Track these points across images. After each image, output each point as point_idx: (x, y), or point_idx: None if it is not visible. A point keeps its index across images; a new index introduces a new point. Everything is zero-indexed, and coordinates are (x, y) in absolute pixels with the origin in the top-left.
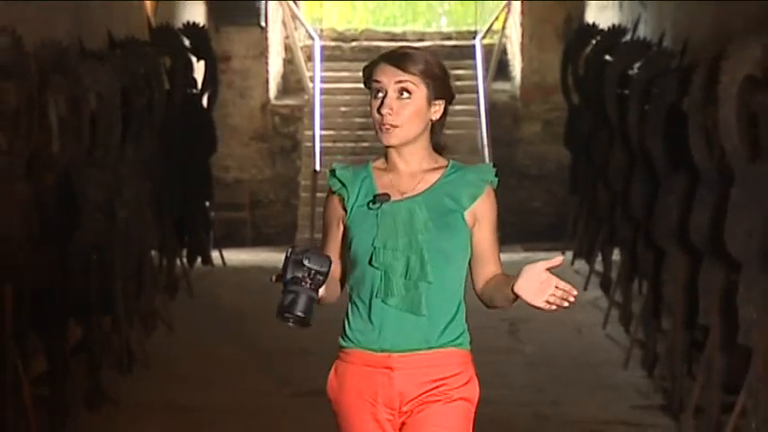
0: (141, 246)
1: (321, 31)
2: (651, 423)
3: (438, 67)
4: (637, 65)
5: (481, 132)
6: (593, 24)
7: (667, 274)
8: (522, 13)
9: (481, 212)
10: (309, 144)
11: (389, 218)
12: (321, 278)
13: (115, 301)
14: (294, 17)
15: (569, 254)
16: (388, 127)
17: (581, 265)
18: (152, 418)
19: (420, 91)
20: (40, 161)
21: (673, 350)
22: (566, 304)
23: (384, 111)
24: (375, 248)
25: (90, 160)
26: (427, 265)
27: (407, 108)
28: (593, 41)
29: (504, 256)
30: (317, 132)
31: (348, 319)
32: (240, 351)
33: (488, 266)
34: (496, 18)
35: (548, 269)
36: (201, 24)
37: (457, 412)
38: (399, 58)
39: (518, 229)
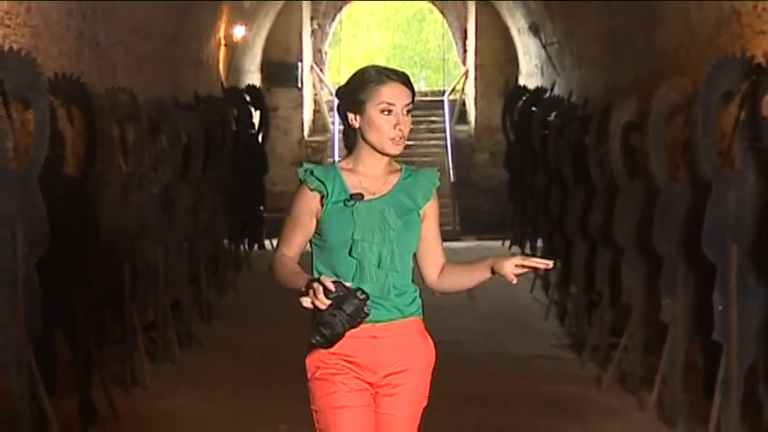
0: (217, 236)
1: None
2: (562, 357)
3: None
4: (553, 114)
5: (448, 159)
6: (524, 86)
7: (574, 255)
8: (476, 78)
9: (430, 211)
10: None
11: (365, 215)
12: (357, 325)
13: (199, 274)
14: (320, 81)
15: (507, 242)
16: (399, 140)
17: (515, 249)
18: (225, 353)
19: (411, 109)
20: (147, 179)
21: (577, 307)
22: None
23: (400, 126)
24: (354, 241)
25: (182, 179)
26: (396, 257)
27: (408, 124)
28: (524, 98)
29: (463, 243)
30: (336, 159)
31: None
32: (285, 307)
33: (437, 256)
34: (458, 81)
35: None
36: (258, 86)
37: (421, 373)
38: (407, 82)
39: (473, 226)
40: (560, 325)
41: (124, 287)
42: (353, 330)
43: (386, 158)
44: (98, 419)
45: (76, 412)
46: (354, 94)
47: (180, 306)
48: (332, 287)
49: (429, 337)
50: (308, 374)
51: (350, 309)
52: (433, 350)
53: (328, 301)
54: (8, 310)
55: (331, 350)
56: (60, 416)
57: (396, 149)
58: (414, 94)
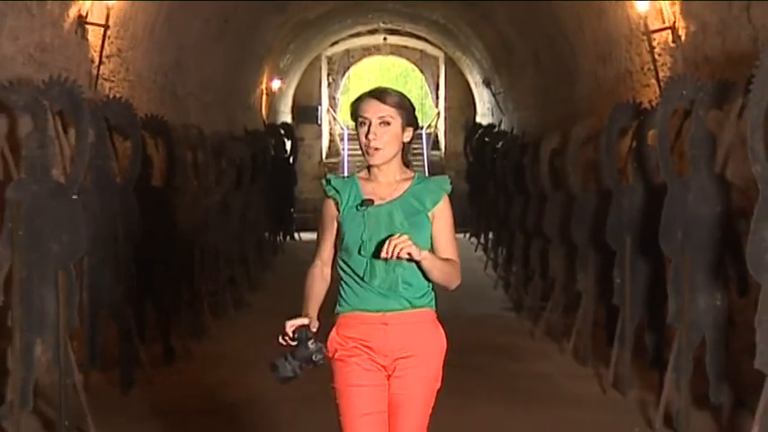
0: (260, 230)
1: (348, 125)
2: (507, 316)
3: (408, 102)
4: (500, 143)
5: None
6: (479, 123)
7: (515, 244)
8: (445, 117)
9: (439, 213)
10: None
11: (374, 218)
12: (309, 368)
13: (248, 257)
14: (334, 119)
15: (468, 235)
16: (373, 149)
17: (474, 240)
18: (266, 313)
19: (396, 120)
20: (211, 189)
21: (517, 281)
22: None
23: (370, 137)
24: (363, 241)
25: (236, 189)
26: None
27: (387, 134)
28: (479, 131)
29: None
30: (346, 174)
31: (345, 293)
32: None
33: (443, 254)
34: (432, 120)
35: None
36: (290, 123)
37: (432, 357)
38: (380, 95)
39: None
40: (505, 293)
41: (194, 265)
42: (367, 317)
43: (393, 167)
44: (176, 359)
45: (161, 354)
46: (351, 113)
47: (234, 279)
48: (289, 333)
49: (440, 326)
50: (329, 355)
51: (299, 355)
52: (444, 338)
53: (290, 341)
54: (112, 282)
55: (347, 335)
56: (149, 357)
57: (371, 158)
58: (394, 106)
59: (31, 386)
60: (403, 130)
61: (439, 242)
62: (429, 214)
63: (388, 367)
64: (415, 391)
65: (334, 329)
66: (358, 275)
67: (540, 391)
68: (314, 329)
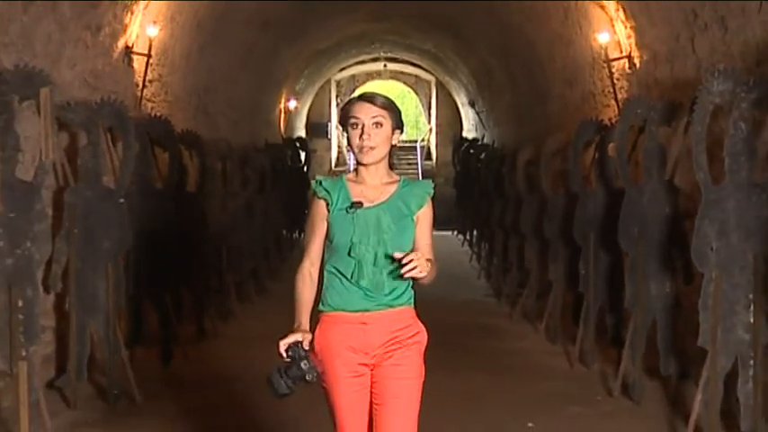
0: (279, 228)
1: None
2: (488, 301)
3: (396, 105)
4: (483, 154)
5: None
6: (465, 137)
7: (495, 240)
8: (436, 133)
9: (422, 216)
10: None
11: (363, 220)
12: (303, 384)
13: (269, 251)
14: (342, 134)
15: (455, 232)
16: (367, 149)
17: (460, 236)
18: (284, 299)
19: (387, 122)
20: (237, 194)
21: (497, 271)
22: (414, 271)
23: (364, 137)
24: (353, 243)
25: (259, 194)
26: (389, 257)
27: (380, 135)
28: (465, 144)
29: None
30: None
31: (328, 292)
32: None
33: (424, 254)
34: (425, 134)
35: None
36: (304, 137)
37: (412, 353)
38: (372, 98)
39: (434, 223)
40: (487, 282)
41: (223, 258)
42: (348, 317)
43: (380, 170)
44: (207, 337)
45: (194, 333)
46: (340, 117)
47: (257, 270)
48: (282, 352)
49: (420, 322)
50: (315, 350)
51: (292, 374)
52: (424, 334)
53: (286, 357)
54: (153, 273)
55: (329, 334)
56: (184, 335)
57: (364, 158)
58: (385, 108)
59: (85, 360)
60: (392, 132)
61: (421, 242)
62: (414, 218)
63: (369, 364)
64: (397, 388)
65: (317, 328)
66: (345, 276)
67: (517, 365)
68: (306, 346)
